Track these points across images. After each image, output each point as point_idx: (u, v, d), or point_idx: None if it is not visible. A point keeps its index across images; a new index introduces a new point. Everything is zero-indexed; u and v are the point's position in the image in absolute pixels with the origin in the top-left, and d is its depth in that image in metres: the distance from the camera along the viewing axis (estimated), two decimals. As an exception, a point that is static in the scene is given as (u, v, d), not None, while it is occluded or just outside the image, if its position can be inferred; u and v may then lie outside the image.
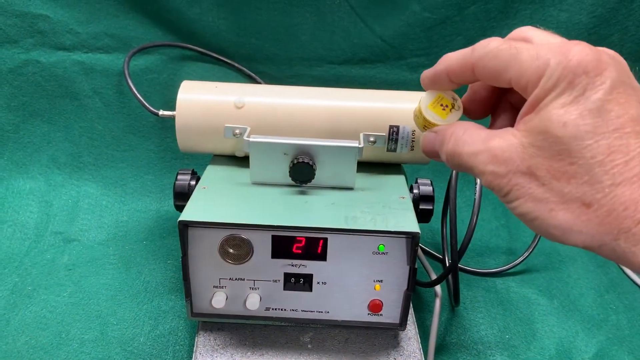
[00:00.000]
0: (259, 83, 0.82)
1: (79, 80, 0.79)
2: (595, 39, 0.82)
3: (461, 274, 0.71)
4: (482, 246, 0.78)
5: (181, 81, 0.61)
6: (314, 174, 0.54)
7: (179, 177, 0.59)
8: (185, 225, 0.49)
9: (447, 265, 0.70)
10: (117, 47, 0.79)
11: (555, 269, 0.74)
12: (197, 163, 0.66)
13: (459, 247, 0.56)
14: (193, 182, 0.59)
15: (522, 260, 0.72)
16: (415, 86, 0.82)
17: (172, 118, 0.60)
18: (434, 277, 0.60)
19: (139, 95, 0.72)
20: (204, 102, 0.59)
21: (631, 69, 0.32)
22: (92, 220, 0.78)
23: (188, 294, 0.52)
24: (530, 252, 0.72)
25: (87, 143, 0.82)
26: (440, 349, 0.59)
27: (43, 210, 0.78)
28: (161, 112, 0.64)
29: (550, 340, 0.62)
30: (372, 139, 0.58)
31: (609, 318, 0.65)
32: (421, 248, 0.74)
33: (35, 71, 0.78)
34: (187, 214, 0.49)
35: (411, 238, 0.49)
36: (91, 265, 0.70)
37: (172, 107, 0.60)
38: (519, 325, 0.64)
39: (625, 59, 0.87)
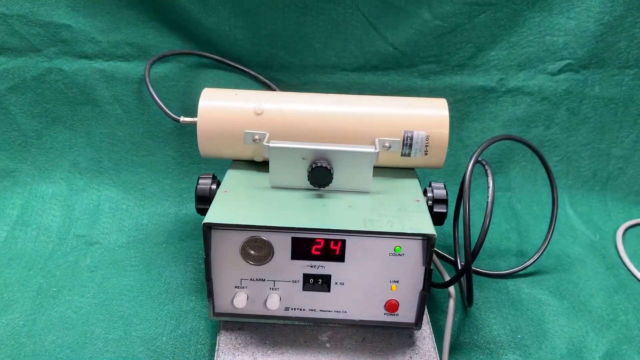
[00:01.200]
0: (274, 90, 0.84)
1: (100, 88, 0.81)
2: (602, 46, 0.84)
3: (473, 276, 0.72)
4: (493, 248, 0.79)
5: (199, 88, 0.62)
6: (332, 178, 0.56)
7: (201, 181, 0.60)
8: (209, 227, 0.51)
9: (460, 266, 0.72)
10: (137, 55, 0.81)
11: (565, 271, 0.75)
12: (214, 168, 0.67)
13: (472, 248, 0.58)
14: (214, 186, 0.60)
15: (533, 262, 0.73)
16: (426, 92, 0.85)
17: (192, 124, 0.62)
18: (447, 278, 0.61)
19: (160, 103, 0.74)
20: (225, 108, 0.61)
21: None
22: (113, 224, 0.79)
23: (210, 294, 0.54)
24: (541, 254, 0.73)
25: (107, 148, 0.84)
26: (454, 348, 0.60)
27: (65, 214, 0.80)
28: (182, 119, 0.66)
29: (561, 339, 0.63)
30: (387, 144, 0.60)
31: (618, 318, 0.66)
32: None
33: (58, 79, 0.80)
34: (210, 217, 0.51)
35: (427, 240, 0.50)
36: (113, 267, 0.71)
37: (191, 114, 0.61)
38: (531, 325, 0.65)
39: (631, 65, 0.89)
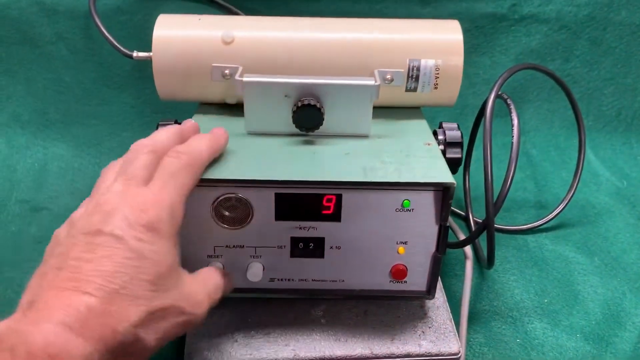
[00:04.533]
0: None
1: (39, 24, 0.73)
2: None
3: (488, 233, 0.66)
4: (508, 200, 0.71)
5: (159, 21, 0.55)
6: (323, 119, 0.49)
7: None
8: (170, 185, 0.43)
9: (474, 222, 0.66)
10: (82, -17, 0.72)
11: (591, 223, 0.69)
12: (181, 115, 0.60)
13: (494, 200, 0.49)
14: (177, 135, 0.52)
15: (556, 215, 0.67)
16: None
17: (149, 60, 0.55)
18: (462, 236, 0.55)
19: (108, 36, 0.65)
20: (185, 38, 0.54)
21: None
22: (63, 186, 0.73)
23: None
24: (565, 206, 0.67)
25: (53, 97, 0.76)
26: (471, 317, 0.54)
27: (5, 176, 0.73)
28: (135, 54, 0.59)
29: (595, 303, 0.57)
30: (388, 76, 0.53)
31: (657, 276, 0.61)
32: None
33: (-14, 15, 0.72)
34: (171, 171, 0.43)
35: (444, 190, 0.44)
36: (64, 236, 0.64)
37: (150, 50, 0.54)
38: (558, 287, 0.59)
39: None
